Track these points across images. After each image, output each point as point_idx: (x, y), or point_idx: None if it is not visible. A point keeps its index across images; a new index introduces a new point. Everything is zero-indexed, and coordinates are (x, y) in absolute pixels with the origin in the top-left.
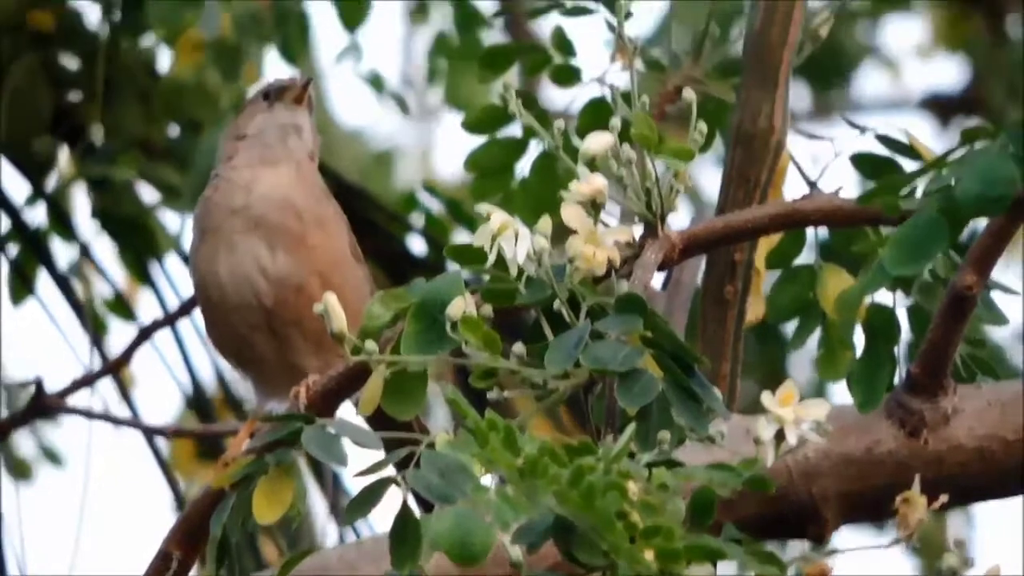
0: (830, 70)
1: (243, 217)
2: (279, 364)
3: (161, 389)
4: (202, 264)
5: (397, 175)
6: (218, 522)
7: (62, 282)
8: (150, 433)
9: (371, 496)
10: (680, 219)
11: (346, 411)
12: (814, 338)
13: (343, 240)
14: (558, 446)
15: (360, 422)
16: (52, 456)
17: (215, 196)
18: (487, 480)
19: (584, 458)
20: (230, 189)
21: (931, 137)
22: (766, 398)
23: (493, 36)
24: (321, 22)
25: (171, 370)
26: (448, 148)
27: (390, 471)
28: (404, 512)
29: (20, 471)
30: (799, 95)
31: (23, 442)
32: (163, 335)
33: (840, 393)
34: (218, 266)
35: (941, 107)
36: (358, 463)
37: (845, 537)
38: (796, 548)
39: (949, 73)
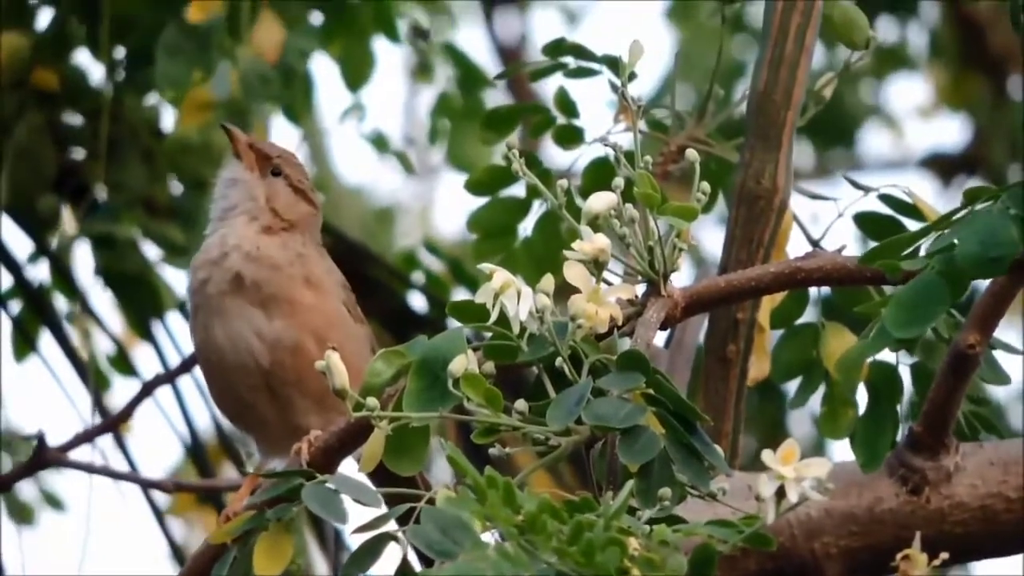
0: (833, 129)
1: (222, 270)
2: (280, 425)
3: (160, 438)
4: (200, 330)
5: (398, 232)
6: None
7: (64, 339)
8: (149, 487)
9: (370, 552)
10: (683, 278)
11: (349, 468)
12: (816, 395)
13: (336, 298)
14: (558, 502)
15: (362, 478)
16: (54, 502)
17: (197, 256)
18: (487, 537)
19: (584, 514)
20: (206, 247)
21: (933, 196)
22: (767, 456)
23: (496, 95)
24: (325, 79)
25: (171, 422)
26: (449, 205)
27: (390, 526)
28: (404, 567)
29: (23, 516)
30: (802, 154)
31: (25, 488)
32: (163, 388)
33: (841, 449)
34: (215, 331)
35: (943, 166)
36: (360, 519)
37: None
38: None
39: (951, 132)
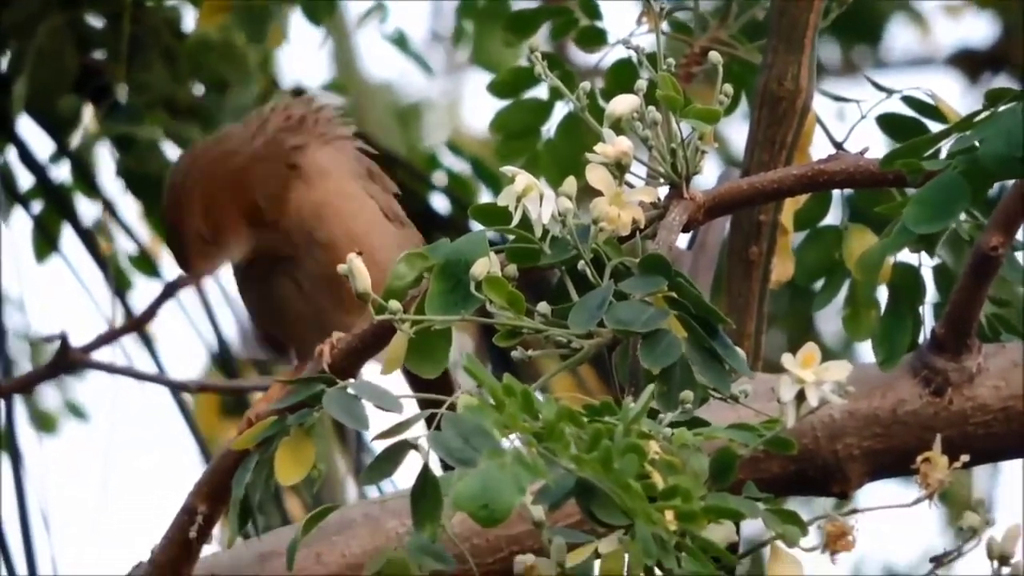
0: (859, 26)
1: None
2: (317, 327)
3: (186, 345)
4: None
5: (427, 127)
6: (240, 482)
7: (86, 238)
8: (175, 388)
9: (391, 459)
10: (708, 177)
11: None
12: (841, 296)
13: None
14: (578, 407)
15: (389, 380)
16: (76, 411)
17: None
18: (508, 443)
19: (604, 419)
20: None
21: (959, 94)
22: (787, 360)
23: None
24: None
25: (195, 326)
26: (479, 100)
27: (412, 433)
28: (425, 474)
29: (44, 424)
30: (828, 52)
31: (48, 395)
32: (187, 291)
33: (867, 348)
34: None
35: (970, 63)
36: (382, 423)
37: (871, 492)
38: (819, 506)
39: (978, 29)
